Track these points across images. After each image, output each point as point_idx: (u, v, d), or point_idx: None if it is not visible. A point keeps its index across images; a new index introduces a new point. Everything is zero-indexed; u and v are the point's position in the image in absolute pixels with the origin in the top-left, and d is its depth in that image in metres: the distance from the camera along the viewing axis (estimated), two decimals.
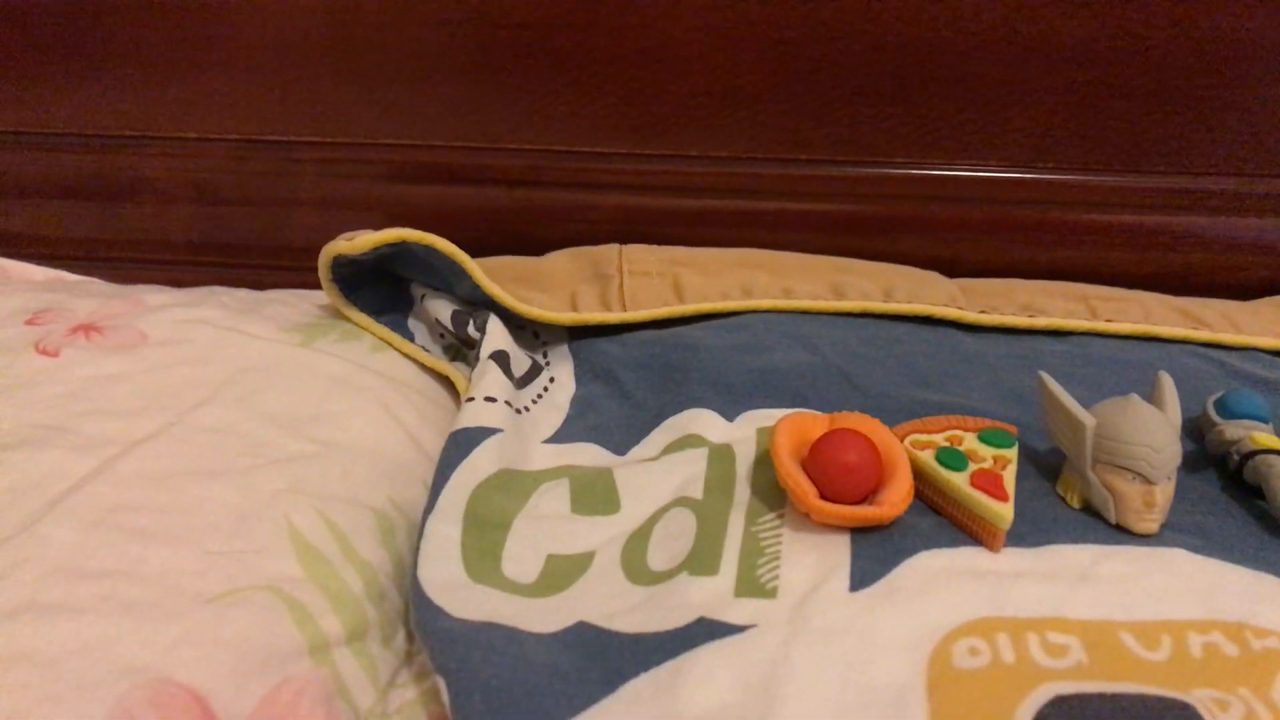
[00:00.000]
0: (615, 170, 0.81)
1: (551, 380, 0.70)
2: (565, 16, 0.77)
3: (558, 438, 0.65)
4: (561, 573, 0.53)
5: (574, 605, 0.51)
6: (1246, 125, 0.75)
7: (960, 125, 0.77)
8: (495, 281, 0.73)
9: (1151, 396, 0.58)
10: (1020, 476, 0.58)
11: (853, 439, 0.54)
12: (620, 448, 0.64)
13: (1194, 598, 0.49)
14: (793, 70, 0.76)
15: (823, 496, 0.53)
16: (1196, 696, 0.44)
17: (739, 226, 0.82)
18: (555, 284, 0.76)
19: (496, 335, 0.68)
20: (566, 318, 0.71)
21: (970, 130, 0.77)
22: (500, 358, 0.66)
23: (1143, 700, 0.44)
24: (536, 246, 0.82)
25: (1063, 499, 0.56)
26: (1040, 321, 0.71)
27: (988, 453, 0.56)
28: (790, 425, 0.56)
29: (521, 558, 0.54)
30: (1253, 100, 0.74)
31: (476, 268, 0.69)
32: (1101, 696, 0.44)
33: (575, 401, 0.69)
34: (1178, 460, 0.53)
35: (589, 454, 0.63)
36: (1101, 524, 0.54)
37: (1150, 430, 0.53)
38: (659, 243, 0.81)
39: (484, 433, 0.60)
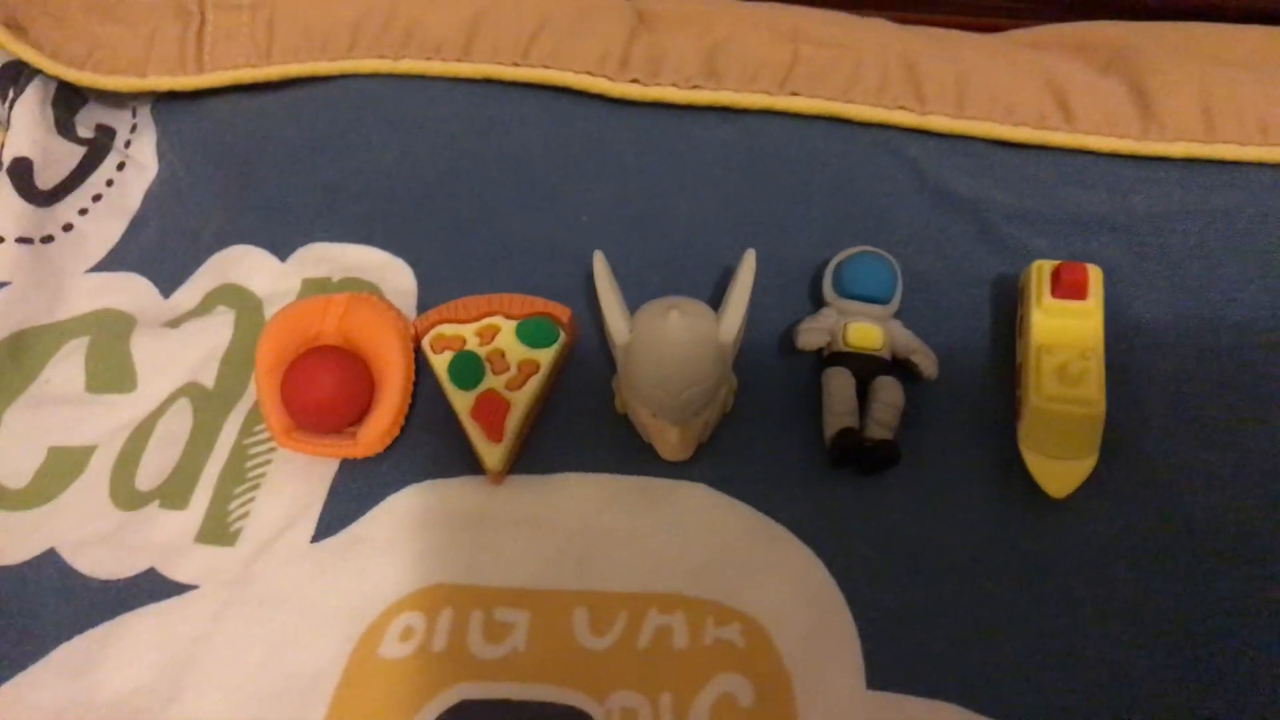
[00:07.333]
0: None
1: (121, 166, 0.59)
2: None
3: (108, 262, 0.56)
4: (59, 472, 0.49)
5: (53, 524, 0.48)
6: None
7: None
8: (55, 14, 0.58)
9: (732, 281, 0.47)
10: (577, 367, 0.50)
11: (326, 368, 0.45)
12: (168, 284, 0.55)
13: (681, 566, 0.44)
14: None
15: (300, 426, 0.46)
16: (610, 703, 0.42)
17: None
18: (135, 14, 0.60)
19: (22, 127, 0.56)
20: (120, 82, 0.57)
21: None
22: (20, 169, 0.55)
23: (546, 711, 0.42)
24: None
25: (612, 397, 0.48)
26: (702, 97, 0.54)
27: (517, 356, 0.47)
28: (280, 329, 0.47)
29: (15, 453, 0.50)
30: None
31: None
32: (506, 704, 0.42)
33: (150, 197, 0.58)
34: (706, 399, 0.44)
35: (131, 293, 0.55)
36: (633, 440, 0.47)
37: (666, 374, 0.43)
38: None
39: None
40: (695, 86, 0.55)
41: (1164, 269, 0.51)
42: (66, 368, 0.52)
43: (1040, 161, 0.54)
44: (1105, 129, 0.53)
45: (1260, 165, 0.52)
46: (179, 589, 0.45)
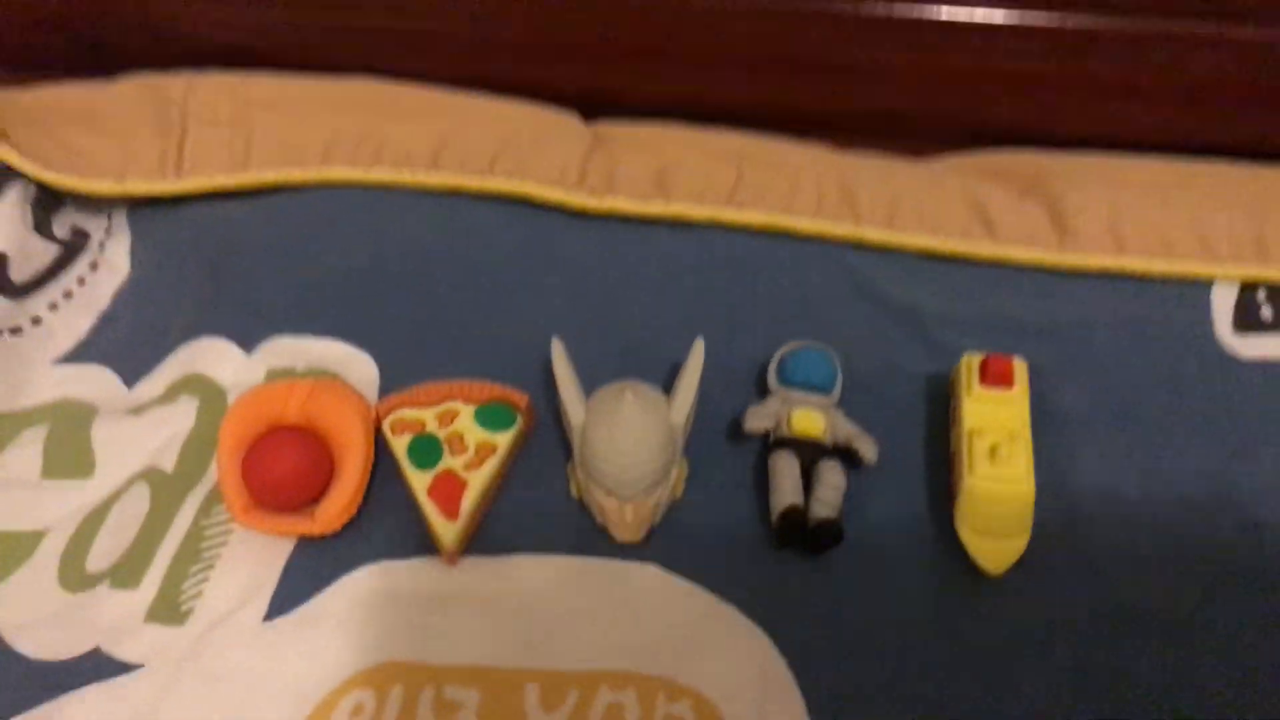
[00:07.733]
0: None
1: (94, 267, 0.60)
2: None
3: (74, 355, 0.57)
4: (6, 557, 0.49)
5: None
6: None
7: None
8: (39, 123, 0.61)
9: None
10: (532, 453, 0.51)
11: (288, 447, 0.47)
12: (132, 376, 0.56)
13: (632, 644, 0.45)
14: None
15: (260, 504, 0.47)
16: None
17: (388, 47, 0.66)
18: (117, 127, 0.63)
19: (0, 224, 0.58)
20: (98, 186, 0.59)
21: None
22: None
23: None
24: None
25: (567, 482, 0.50)
26: (655, 208, 0.59)
27: (475, 439, 0.49)
28: (244, 410, 0.49)
29: None
30: None
31: None
32: None
33: (120, 296, 0.60)
34: (659, 477, 0.46)
35: (94, 383, 0.56)
36: (586, 523, 0.49)
37: (620, 450, 0.45)
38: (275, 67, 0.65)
39: None
40: (647, 199, 0.59)
41: (1085, 370, 0.54)
42: (24, 454, 0.53)
43: (967, 271, 0.58)
44: (1025, 242, 0.58)
45: (1165, 278, 0.57)
46: (124, 668, 0.45)
